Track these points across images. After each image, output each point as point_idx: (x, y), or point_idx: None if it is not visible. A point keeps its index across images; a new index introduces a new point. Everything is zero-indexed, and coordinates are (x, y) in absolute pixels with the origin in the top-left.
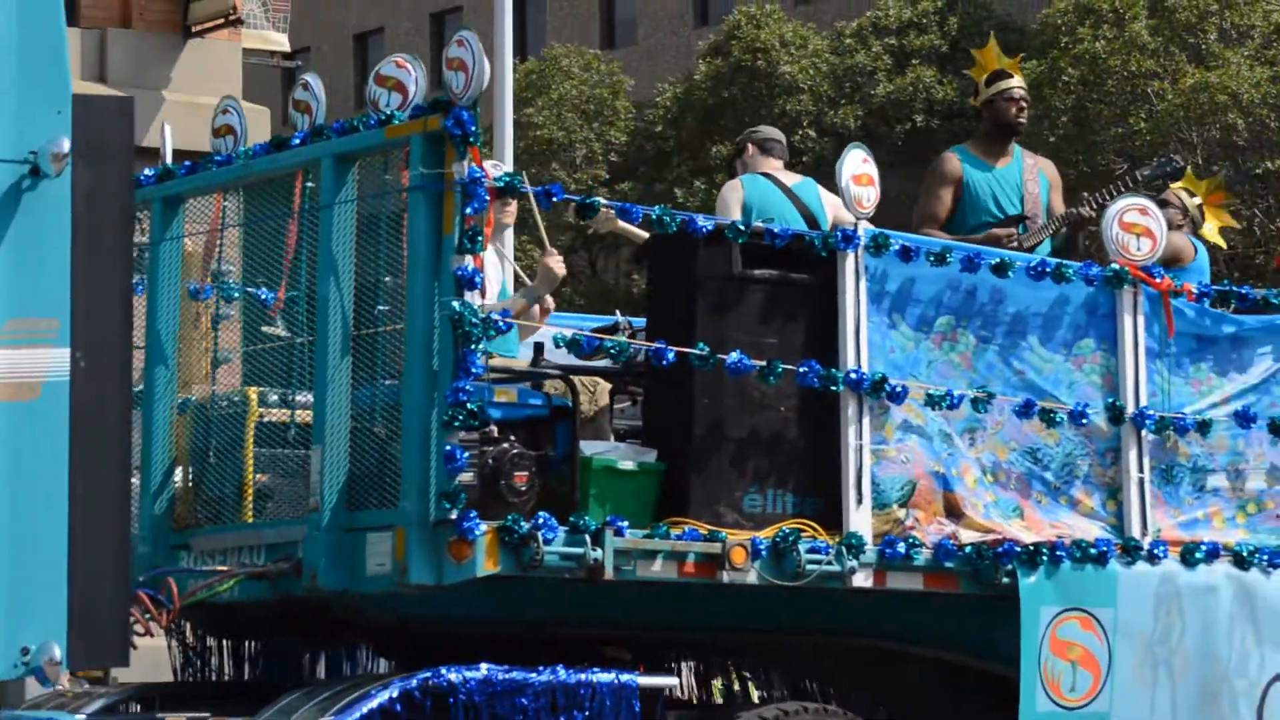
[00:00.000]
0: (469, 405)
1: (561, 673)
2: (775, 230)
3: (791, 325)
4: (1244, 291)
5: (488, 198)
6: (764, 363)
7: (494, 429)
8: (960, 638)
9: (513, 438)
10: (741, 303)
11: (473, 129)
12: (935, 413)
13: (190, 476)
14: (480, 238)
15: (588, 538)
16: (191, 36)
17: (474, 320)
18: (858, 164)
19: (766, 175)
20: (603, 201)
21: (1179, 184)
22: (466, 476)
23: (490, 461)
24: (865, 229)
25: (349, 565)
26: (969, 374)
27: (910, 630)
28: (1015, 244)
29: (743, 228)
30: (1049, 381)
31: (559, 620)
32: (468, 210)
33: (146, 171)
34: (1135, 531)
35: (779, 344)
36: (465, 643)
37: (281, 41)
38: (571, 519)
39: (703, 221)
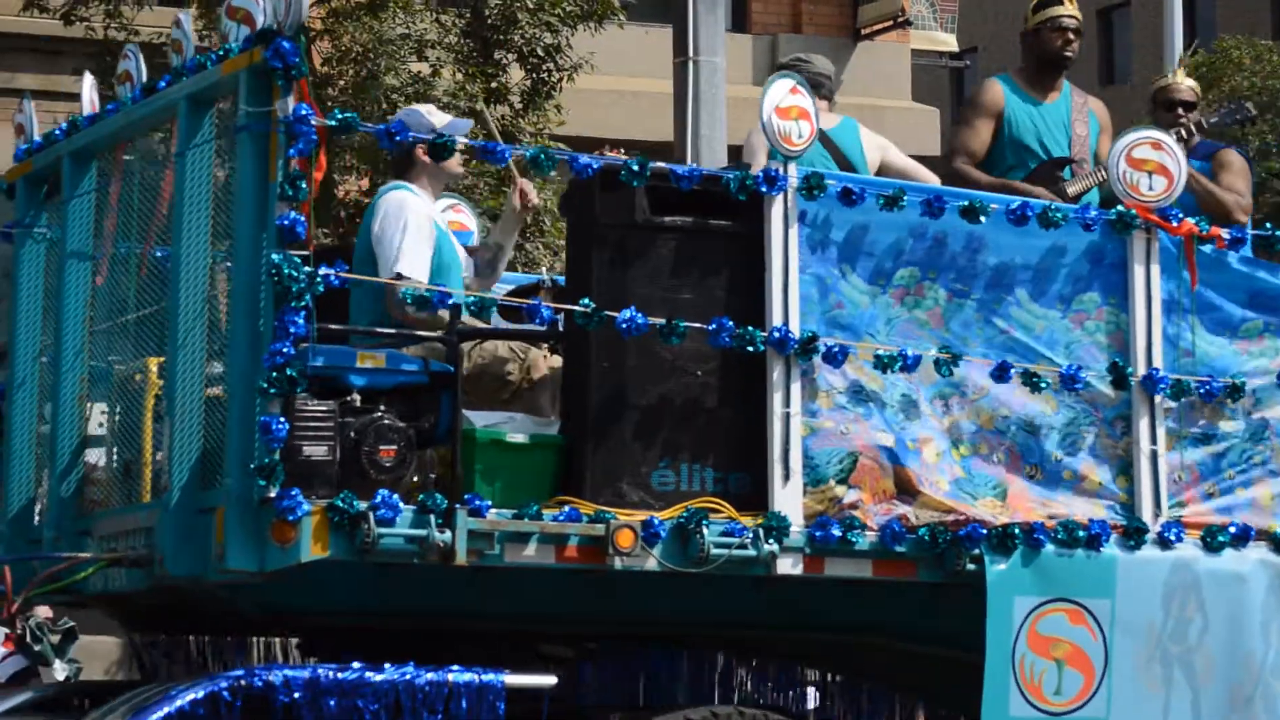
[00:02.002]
0: (289, 371)
1: (411, 672)
2: (680, 170)
3: (712, 279)
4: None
5: (316, 138)
6: (662, 320)
7: (357, 398)
8: (946, 630)
9: (383, 408)
10: (649, 254)
11: (295, 60)
12: (897, 377)
13: (99, 456)
14: (304, 183)
15: (432, 518)
16: (861, 39)
17: (294, 275)
18: (783, 94)
19: None
20: (514, 150)
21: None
22: (320, 451)
23: (352, 435)
24: (797, 169)
25: (199, 550)
26: (940, 333)
27: (894, 622)
28: (1057, 190)
29: (637, 168)
30: (1042, 341)
31: (468, 614)
32: (291, 152)
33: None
34: (1146, 511)
35: (696, 300)
36: (394, 638)
37: (949, 42)
38: (420, 498)
39: (586, 159)
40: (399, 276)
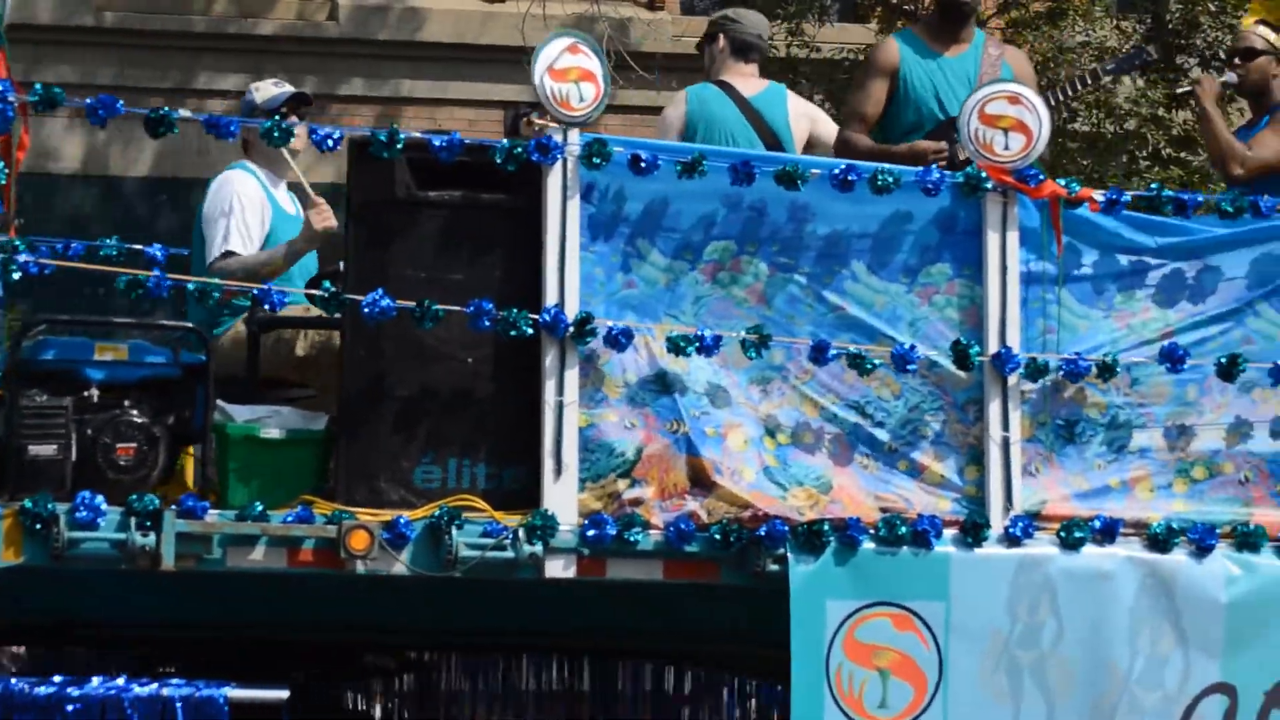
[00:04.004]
0: None
1: (120, 686)
2: (437, 140)
3: (486, 258)
4: (1183, 197)
5: (13, 115)
6: (413, 304)
7: (94, 393)
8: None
9: (127, 403)
10: (412, 232)
11: None
12: (706, 360)
13: None
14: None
15: (133, 520)
16: None
17: None
18: (558, 54)
19: (721, 84)
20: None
21: (1253, 19)
22: (48, 450)
23: (88, 432)
24: (578, 136)
25: None
26: (761, 311)
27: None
28: (945, 159)
29: (385, 139)
30: (883, 318)
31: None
32: None
33: None
34: (995, 505)
35: (466, 281)
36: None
37: None
38: (130, 498)
39: (327, 130)
40: (226, 255)
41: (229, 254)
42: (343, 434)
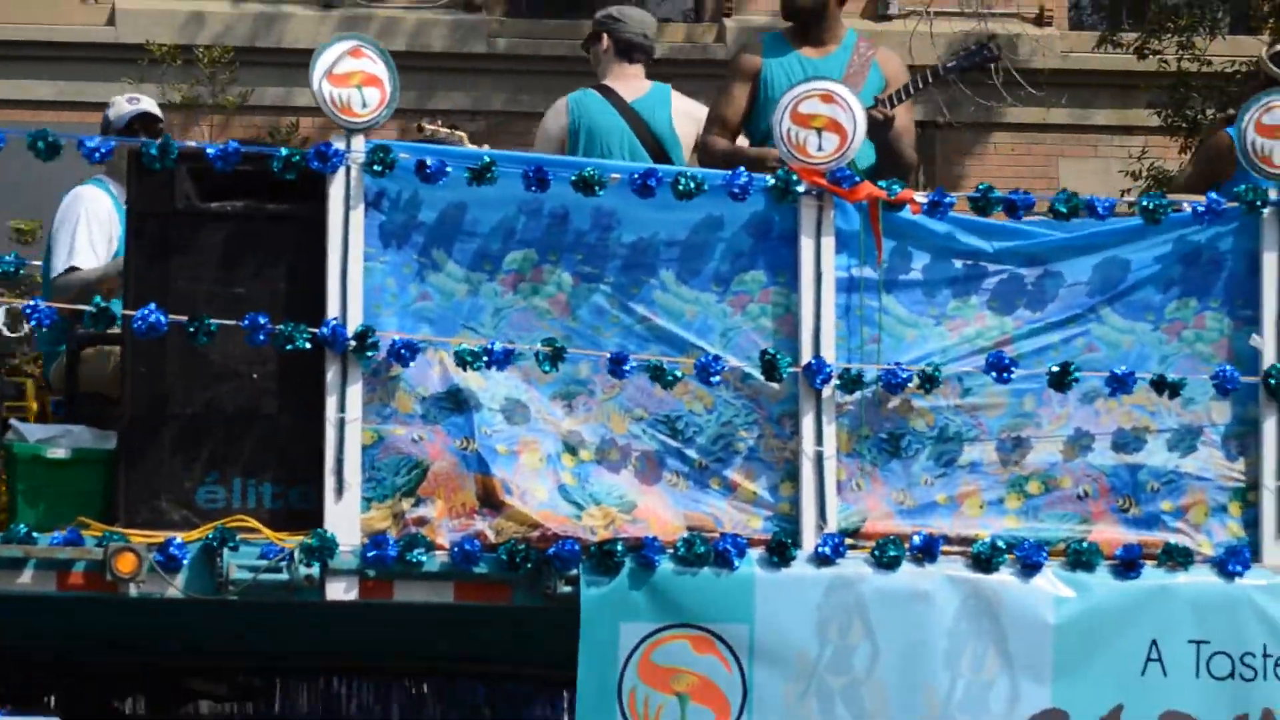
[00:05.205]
0: None
1: None
2: (212, 150)
3: (272, 270)
4: (1013, 198)
5: None
6: (185, 318)
7: None
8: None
9: None
10: (194, 244)
11: None
12: (506, 375)
13: None
14: None
15: None
16: None
17: None
18: (337, 58)
19: (603, 89)
20: None
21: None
22: None
23: None
24: (363, 142)
25: None
26: (565, 322)
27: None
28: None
29: (156, 150)
30: (692, 329)
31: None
32: None
33: None
34: (808, 524)
35: (251, 294)
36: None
37: None
38: None
39: (97, 141)
40: (70, 270)
41: (72, 269)
42: (123, 454)
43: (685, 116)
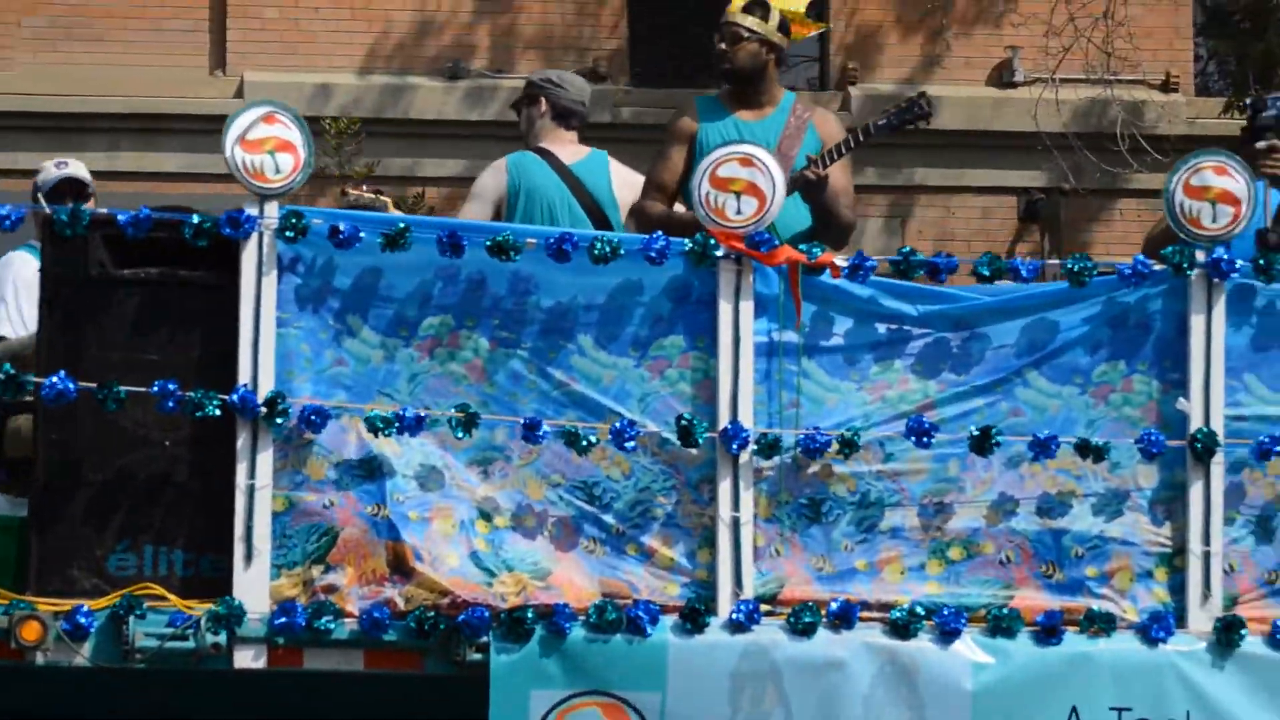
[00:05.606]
0: None
1: None
2: (124, 217)
3: (185, 337)
4: (936, 261)
5: None
6: (94, 385)
7: None
8: None
9: None
10: (107, 312)
11: None
12: (421, 441)
13: None
14: None
15: None
16: None
17: None
18: (251, 124)
19: (541, 151)
20: None
21: None
22: None
23: None
24: (276, 208)
25: None
26: (482, 388)
27: None
28: None
29: (64, 217)
30: (610, 394)
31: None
32: None
33: None
34: (725, 589)
35: (164, 361)
36: None
37: None
38: None
39: (3, 210)
40: None
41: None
42: (35, 521)
43: (624, 183)
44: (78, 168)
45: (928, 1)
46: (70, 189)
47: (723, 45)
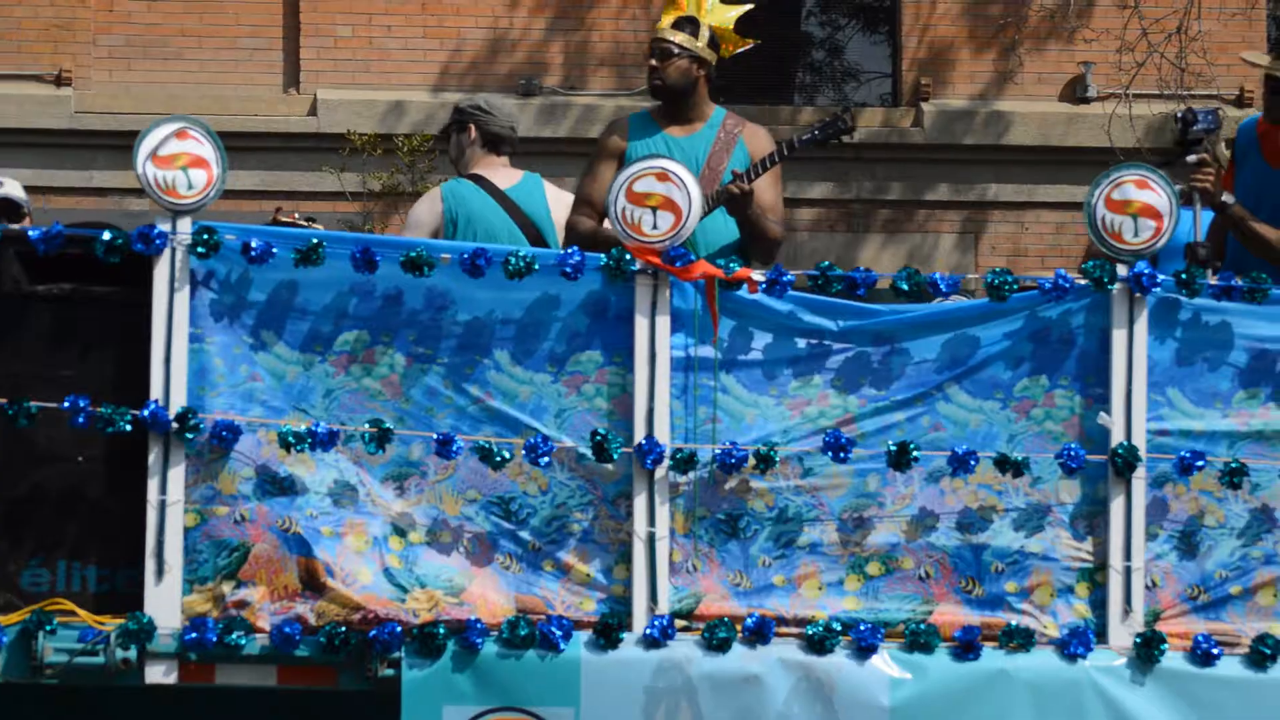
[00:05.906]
0: None
1: None
2: (35, 233)
3: (100, 352)
4: (856, 275)
5: None
6: (6, 401)
7: None
8: None
9: None
10: (25, 326)
11: None
12: (336, 457)
13: None
14: None
15: None
16: None
17: None
18: (162, 140)
19: (475, 178)
20: None
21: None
22: None
23: None
24: (189, 224)
25: None
26: (397, 404)
27: None
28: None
29: None
30: (527, 409)
31: None
32: None
33: None
34: (640, 604)
35: (78, 377)
36: None
37: None
38: None
39: None
40: None
41: None
42: None
43: (560, 203)
44: (13, 187)
45: (1000, 17)
46: (3, 209)
47: (653, 61)
